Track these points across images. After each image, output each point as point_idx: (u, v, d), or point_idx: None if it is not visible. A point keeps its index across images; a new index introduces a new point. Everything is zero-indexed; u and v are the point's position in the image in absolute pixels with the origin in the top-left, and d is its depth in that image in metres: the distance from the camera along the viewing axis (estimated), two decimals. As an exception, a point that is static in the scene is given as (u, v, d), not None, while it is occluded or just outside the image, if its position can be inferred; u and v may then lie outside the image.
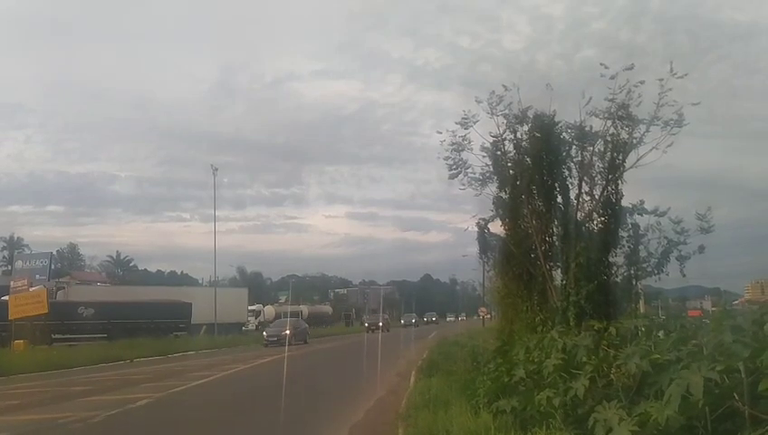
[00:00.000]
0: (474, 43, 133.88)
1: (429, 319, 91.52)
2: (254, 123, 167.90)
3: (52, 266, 56.02)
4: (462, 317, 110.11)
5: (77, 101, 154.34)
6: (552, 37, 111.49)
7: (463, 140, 13.13)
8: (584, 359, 5.30)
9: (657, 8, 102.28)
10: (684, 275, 12.15)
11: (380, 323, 56.51)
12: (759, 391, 3.39)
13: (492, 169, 13.33)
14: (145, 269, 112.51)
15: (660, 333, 5.40)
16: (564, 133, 12.43)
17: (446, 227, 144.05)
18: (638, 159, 11.43)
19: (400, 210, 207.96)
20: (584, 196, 12.17)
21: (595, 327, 6.06)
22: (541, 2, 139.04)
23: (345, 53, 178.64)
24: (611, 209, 11.69)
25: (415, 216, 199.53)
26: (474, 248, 15.09)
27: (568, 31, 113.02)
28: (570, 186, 12.52)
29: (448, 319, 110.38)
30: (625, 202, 11.84)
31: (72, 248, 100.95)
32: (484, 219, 14.12)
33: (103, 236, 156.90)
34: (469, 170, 13.43)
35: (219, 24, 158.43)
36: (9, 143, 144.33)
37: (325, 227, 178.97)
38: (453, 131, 13.10)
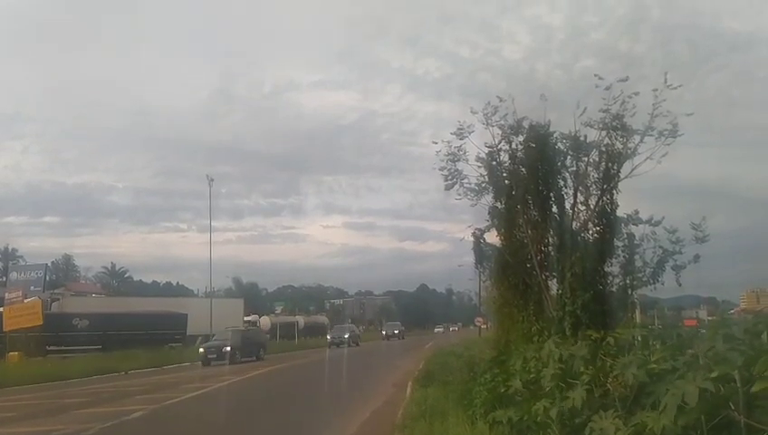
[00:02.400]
0: (474, 53, 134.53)
1: (390, 332, 69.44)
2: (252, 133, 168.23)
3: (47, 278, 55.85)
4: (454, 328, 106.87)
5: (75, 109, 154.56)
6: (552, 47, 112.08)
7: (458, 150, 13.17)
8: (581, 369, 5.30)
9: (657, 18, 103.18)
10: (680, 285, 12.18)
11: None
12: (753, 392, 3.40)
13: (487, 180, 13.35)
14: (140, 280, 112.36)
15: (657, 343, 5.41)
16: (559, 143, 12.48)
17: (443, 237, 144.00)
18: (632, 169, 11.47)
19: (398, 220, 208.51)
20: (579, 206, 12.19)
21: (592, 337, 6.06)
22: (541, 11, 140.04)
23: (345, 63, 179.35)
24: (606, 219, 11.72)
25: (412, 225, 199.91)
26: (470, 258, 15.09)
27: (567, 41, 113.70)
28: (565, 196, 12.55)
29: (437, 330, 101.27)
30: (620, 212, 11.87)
31: (67, 259, 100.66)
32: (479, 229, 14.14)
33: (99, 247, 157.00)
34: (465, 181, 13.46)
35: (219, 34, 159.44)
36: (6, 153, 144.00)
37: (322, 237, 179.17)
38: (448, 142, 13.15)
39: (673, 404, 3.57)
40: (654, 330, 6.28)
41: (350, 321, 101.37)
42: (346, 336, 52.27)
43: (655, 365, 4.37)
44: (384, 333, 71.18)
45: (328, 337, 54.22)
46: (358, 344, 53.99)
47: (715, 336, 3.82)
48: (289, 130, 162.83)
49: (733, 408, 3.54)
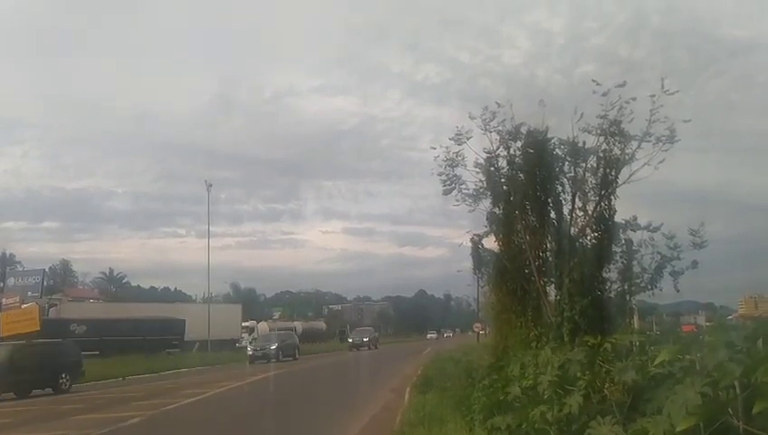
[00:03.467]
0: (474, 58, 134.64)
1: (358, 341, 55.52)
2: (252, 138, 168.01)
3: (45, 283, 55.82)
4: (449, 334, 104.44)
5: (75, 115, 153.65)
6: (552, 52, 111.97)
7: (456, 156, 13.18)
8: (578, 374, 5.29)
9: (657, 23, 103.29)
10: (677, 291, 12.18)
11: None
12: (754, 414, 3.39)
13: (485, 185, 13.36)
14: (138, 286, 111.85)
15: (656, 349, 5.40)
16: (557, 149, 12.50)
17: (442, 243, 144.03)
18: (630, 175, 11.48)
19: (397, 226, 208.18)
20: (577, 211, 12.19)
21: (589, 343, 6.05)
22: (541, 17, 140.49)
23: (345, 68, 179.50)
24: (604, 225, 11.72)
25: (411, 231, 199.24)
26: (468, 264, 15.09)
27: (567, 46, 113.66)
28: (563, 201, 12.55)
29: (429, 336, 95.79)
30: (618, 218, 11.87)
31: (65, 265, 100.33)
32: (478, 235, 14.14)
33: (98, 253, 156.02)
34: (463, 186, 13.47)
35: (219, 40, 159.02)
36: (6, 159, 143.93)
37: (321, 243, 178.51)
38: (447, 147, 13.16)
39: (677, 410, 3.57)
40: (652, 336, 6.27)
41: (348, 327, 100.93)
42: (273, 347, 38.03)
43: (654, 369, 4.36)
44: (351, 341, 56.71)
45: (249, 350, 40.30)
46: (295, 357, 39.95)
47: (717, 343, 3.81)
48: (289, 135, 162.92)
49: (731, 414, 3.54)
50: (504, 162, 13.06)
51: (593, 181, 11.95)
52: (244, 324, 63.29)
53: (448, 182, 13.47)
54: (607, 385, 4.67)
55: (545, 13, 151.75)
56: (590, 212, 11.91)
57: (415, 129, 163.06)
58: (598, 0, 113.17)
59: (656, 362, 4.34)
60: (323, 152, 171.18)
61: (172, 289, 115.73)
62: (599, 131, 11.59)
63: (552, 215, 12.62)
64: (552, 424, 5.12)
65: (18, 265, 79.62)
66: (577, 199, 12.23)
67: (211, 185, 50.89)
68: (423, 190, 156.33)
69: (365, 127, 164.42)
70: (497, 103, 12.57)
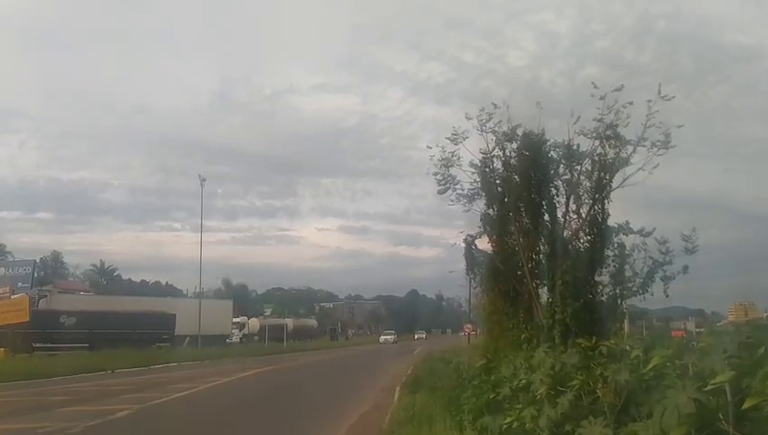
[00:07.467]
0: (478, 59, 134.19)
1: None
2: (251, 135, 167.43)
3: (35, 274, 55.55)
4: (420, 335, 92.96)
5: (74, 108, 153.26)
6: (557, 54, 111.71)
7: (452, 155, 13.18)
8: (571, 375, 5.29)
9: (662, 28, 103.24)
10: (668, 296, 12.21)
11: None
12: (743, 409, 3.40)
13: (480, 186, 13.36)
14: (129, 279, 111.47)
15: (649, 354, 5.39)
16: (553, 152, 12.51)
17: (437, 243, 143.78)
18: (624, 180, 11.51)
19: (394, 225, 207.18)
20: (571, 214, 12.22)
21: (583, 345, 6.05)
22: (547, 18, 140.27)
23: (347, 66, 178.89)
24: (598, 228, 11.74)
25: (407, 230, 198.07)
26: (462, 264, 15.10)
27: (572, 48, 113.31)
28: (557, 204, 12.57)
29: (383, 338, 78.79)
30: (611, 221, 11.90)
31: (56, 256, 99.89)
32: (471, 235, 14.15)
33: (90, 245, 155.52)
34: (458, 186, 13.47)
35: (220, 36, 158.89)
36: (2, 148, 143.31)
37: (316, 240, 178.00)
38: (443, 147, 13.16)
39: (668, 414, 3.56)
40: (645, 341, 6.28)
41: (339, 325, 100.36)
42: None
43: (647, 372, 4.35)
44: None
45: None
46: None
47: (713, 349, 3.81)
48: (288, 132, 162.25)
49: (722, 419, 3.54)
50: (499, 163, 13.07)
51: (587, 185, 11.98)
52: (234, 320, 63.24)
53: (443, 182, 13.48)
54: (600, 384, 4.67)
55: (551, 14, 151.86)
56: (583, 215, 11.93)
57: (415, 128, 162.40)
58: (605, 2, 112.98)
59: (648, 367, 4.34)
60: (322, 150, 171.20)
61: (163, 283, 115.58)
62: (594, 135, 11.61)
63: (546, 217, 12.63)
64: (543, 426, 5.11)
65: (9, 256, 79.25)
66: (571, 202, 12.25)
67: (205, 179, 50.84)
68: (421, 190, 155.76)
69: (365, 125, 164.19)
70: (493, 104, 12.59)
